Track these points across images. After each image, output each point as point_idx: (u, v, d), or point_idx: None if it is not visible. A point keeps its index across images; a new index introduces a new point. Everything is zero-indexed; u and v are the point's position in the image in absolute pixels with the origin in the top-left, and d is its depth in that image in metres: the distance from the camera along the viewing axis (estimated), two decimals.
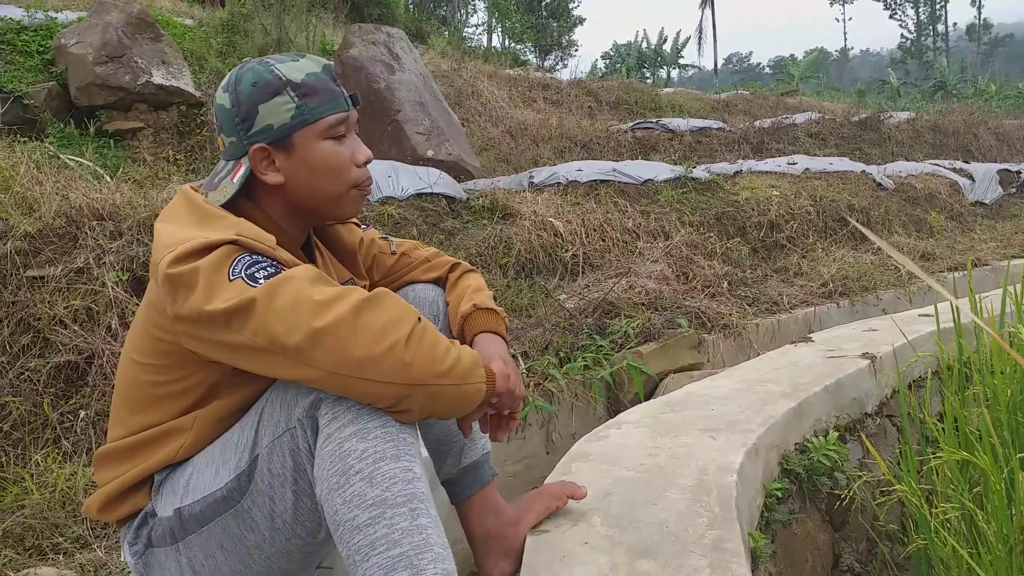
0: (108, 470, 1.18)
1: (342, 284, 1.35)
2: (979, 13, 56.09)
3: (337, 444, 1.01)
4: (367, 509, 0.97)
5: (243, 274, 1.02)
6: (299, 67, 1.18)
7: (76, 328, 2.38)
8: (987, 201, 7.79)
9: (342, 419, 1.02)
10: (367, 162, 1.25)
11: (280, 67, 1.17)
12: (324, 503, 1.01)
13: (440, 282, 1.48)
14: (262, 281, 1.02)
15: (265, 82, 1.15)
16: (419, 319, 1.06)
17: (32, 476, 2.01)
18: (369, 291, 1.44)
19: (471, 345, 1.30)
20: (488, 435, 1.27)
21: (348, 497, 0.98)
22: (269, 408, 1.09)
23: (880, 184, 6.85)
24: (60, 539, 1.83)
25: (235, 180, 1.17)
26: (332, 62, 1.51)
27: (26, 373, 2.26)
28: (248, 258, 1.05)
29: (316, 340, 0.98)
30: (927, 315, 3.13)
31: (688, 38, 34.74)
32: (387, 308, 1.04)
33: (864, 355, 2.52)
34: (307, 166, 1.18)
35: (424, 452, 1.42)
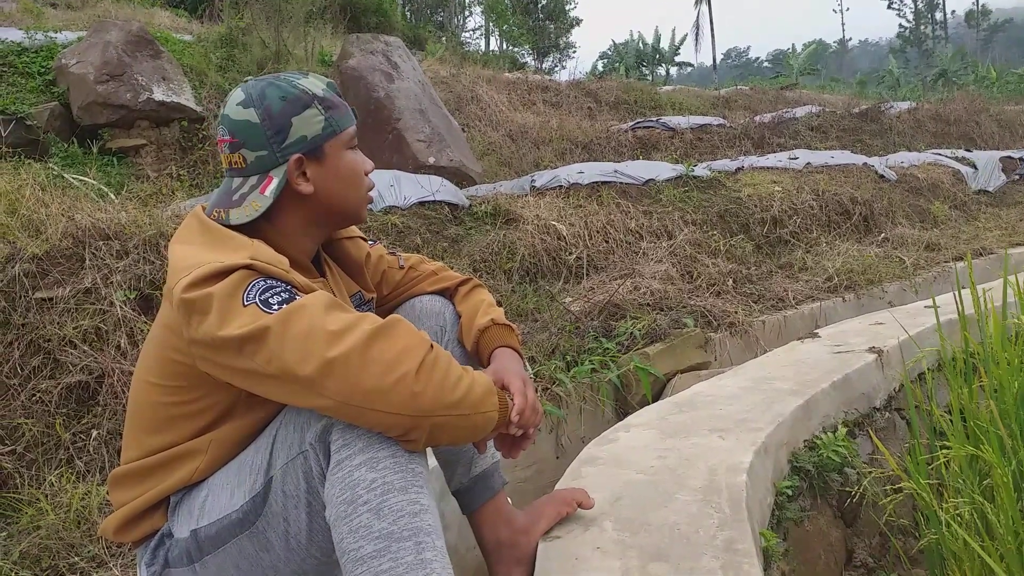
0: (124, 492, 1.19)
1: (351, 296, 1.38)
2: None
3: (347, 472, 1.02)
4: (373, 541, 0.98)
5: (257, 299, 1.03)
6: (315, 83, 1.25)
7: (86, 348, 2.40)
8: (991, 189, 7.77)
9: (353, 447, 1.03)
10: (371, 171, 1.33)
11: (302, 82, 1.23)
12: (332, 528, 1.02)
13: (447, 294, 1.50)
14: (276, 307, 1.03)
15: (295, 96, 1.21)
16: (431, 347, 1.06)
17: (47, 497, 2.03)
18: (377, 304, 1.47)
19: (489, 359, 1.33)
20: (502, 453, 1.27)
21: (355, 527, 0.99)
22: (283, 430, 1.11)
23: (883, 176, 6.84)
24: (76, 559, 1.84)
25: (267, 193, 1.19)
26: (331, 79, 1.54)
27: (38, 394, 2.28)
28: (263, 283, 1.06)
29: (328, 370, 0.99)
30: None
31: (686, 35, 34.88)
32: (399, 338, 1.04)
33: (871, 349, 2.52)
34: (336, 174, 1.24)
35: (433, 462, 1.43)
